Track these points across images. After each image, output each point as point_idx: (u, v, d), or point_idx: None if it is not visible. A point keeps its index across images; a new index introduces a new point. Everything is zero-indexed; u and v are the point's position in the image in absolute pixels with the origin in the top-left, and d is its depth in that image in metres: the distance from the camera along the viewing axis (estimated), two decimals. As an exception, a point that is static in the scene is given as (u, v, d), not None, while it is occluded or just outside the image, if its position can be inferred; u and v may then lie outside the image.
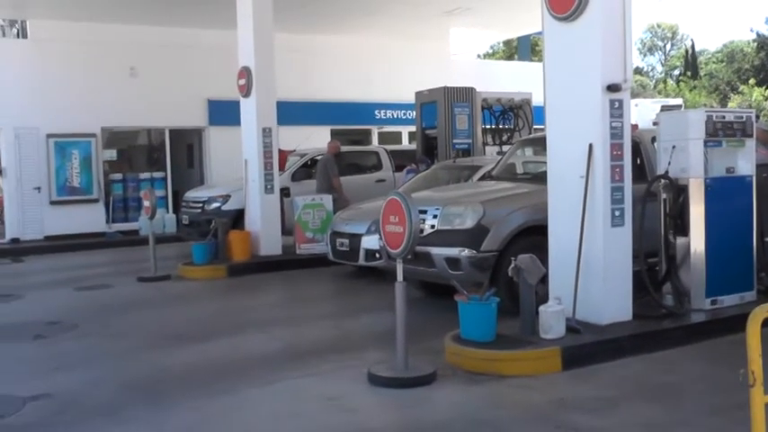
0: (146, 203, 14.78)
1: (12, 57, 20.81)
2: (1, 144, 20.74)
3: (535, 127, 18.23)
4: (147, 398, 7.08)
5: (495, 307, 7.53)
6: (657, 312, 8.39)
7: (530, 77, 22.22)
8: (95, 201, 21.27)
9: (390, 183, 17.19)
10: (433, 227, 9.71)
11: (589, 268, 7.93)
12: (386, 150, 18.81)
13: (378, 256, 11.47)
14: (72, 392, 7.36)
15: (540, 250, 8.22)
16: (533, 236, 9.14)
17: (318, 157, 17.16)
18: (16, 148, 20.50)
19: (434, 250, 9.48)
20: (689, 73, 64.76)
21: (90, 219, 20.99)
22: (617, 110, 7.95)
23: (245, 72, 15.32)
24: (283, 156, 16.60)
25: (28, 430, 6.39)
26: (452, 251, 9.38)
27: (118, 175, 22.22)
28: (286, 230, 15.52)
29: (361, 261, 12.23)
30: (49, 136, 20.62)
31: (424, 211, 9.59)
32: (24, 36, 21.97)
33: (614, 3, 7.92)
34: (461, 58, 28.20)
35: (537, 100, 17.52)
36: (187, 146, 23.60)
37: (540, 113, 16.44)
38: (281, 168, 16.16)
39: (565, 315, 7.62)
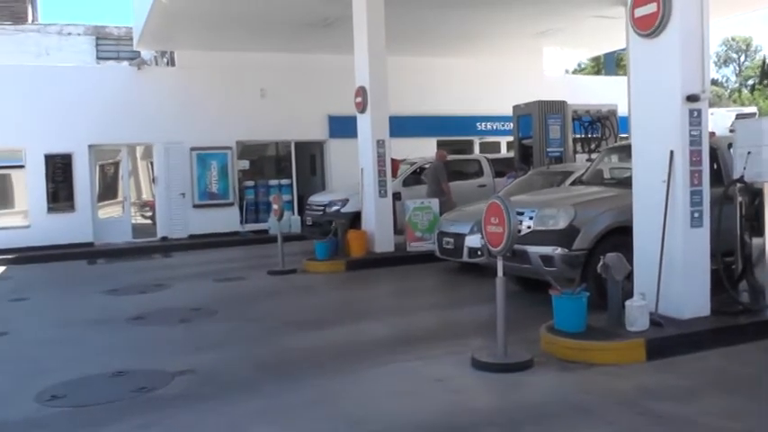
0: (275, 206, 15.02)
1: (162, 82, 21.47)
2: (153, 156, 21.43)
3: (620, 136, 17.85)
4: (276, 375, 7.21)
5: (585, 301, 7.42)
6: (734, 308, 8.06)
7: (615, 90, 21.74)
8: (231, 204, 21.72)
9: (491, 188, 17.08)
10: (529, 227, 9.59)
11: (671, 266, 7.73)
12: (486, 158, 18.73)
13: (479, 253, 11.39)
14: (212, 369, 7.56)
15: (626, 249, 8.04)
16: (619, 236, 8.93)
17: (426, 165, 17.16)
18: (165, 159, 21.16)
19: (530, 248, 9.37)
20: (766, 82, 62.39)
21: (226, 220, 21.50)
22: (696, 119, 7.73)
23: (362, 91, 15.43)
24: (395, 164, 16.66)
25: (176, 400, 6.58)
26: (546, 249, 9.26)
27: (250, 182, 22.59)
28: (398, 230, 15.56)
29: (465, 258, 12.18)
30: (192, 149, 21.23)
31: (521, 213, 9.49)
32: (173, 64, 22.60)
33: (693, 19, 7.70)
34: (553, 74, 27.81)
35: (622, 111, 17.15)
36: (310, 156, 23.86)
37: (624, 123, 16.13)
38: (394, 175, 16.21)
39: (648, 309, 7.45)
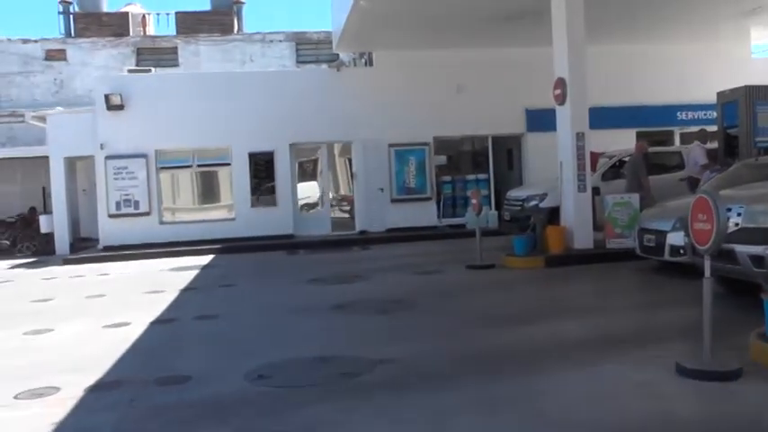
0: (473, 201, 15.14)
1: (360, 82, 22.26)
2: (353, 153, 22.11)
3: (839, 123, 16.68)
4: (476, 370, 7.29)
5: (802, 306, 6.93)
6: None
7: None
8: (428, 199, 22.07)
9: (692, 182, 16.41)
10: (737, 224, 9.13)
11: None
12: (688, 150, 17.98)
13: (682, 252, 11.00)
14: (412, 359, 7.77)
15: None
16: (841, 235, 8.38)
17: (626, 159, 16.72)
18: (364, 156, 21.86)
19: (738, 247, 8.91)
20: None
21: (423, 214, 21.91)
22: None
23: (561, 83, 15.17)
24: (594, 157, 16.28)
25: (378, 388, 6.85)
26: (757, 249, 8.77)
27: (447, 177, 22.86)
28: (596, 226, 15.23)
29: (666, 256, 11.76)
30: (390, 145, 21.80)
31: (729, 209, 9.02)
32: (371, 65, 23.21)
33: None
34: (761, 57, 26.28)
35: (842, 95, 16.03)
36: (507, 150, 23.83)
37: None
38: (593, 169, 15.85)
39: None
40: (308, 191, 23.06)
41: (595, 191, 15.66)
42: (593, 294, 12.02)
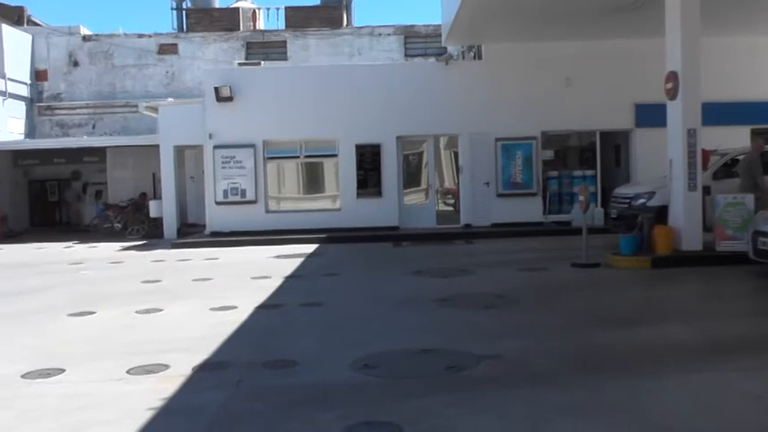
0: (581, 198, 14.88)
1: (468, 76, 22.26)
2: (459, 146, 22.14)
3: None
4: (579, 370, 7.25)
5: None
6: None
7: None
8: (534, 194, 21.91)
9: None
10: None
11: None
12: (809, 149, 17.27)
13: (800, 256, 10.62)
14: (516, 357, 7.78)
15: None
16: None
17: (739, 157, 16.21)
18: (470, 149, 21.89)
19: None
20: None
21: (529, 210, 21.76)
22: None
23: (673, 76, 14.76)
24: (706, 155, 15.79)
25: (483, 383, 6.90)
26: None
27: (554, 173, 22.57)
28: (706, 227, 14.79)
29: (783, 261, 11.38)
30: (497, 139, 21.74)
31: None
32: (479, 58, 23.09)
33: None
34: None
35: None
36: (614, 146, 23.37)
37: None
38: (704, 167, 15.40)
39: None
40: None
41: (706, 190, 15.23)
42: (701, 298, 11.72)
